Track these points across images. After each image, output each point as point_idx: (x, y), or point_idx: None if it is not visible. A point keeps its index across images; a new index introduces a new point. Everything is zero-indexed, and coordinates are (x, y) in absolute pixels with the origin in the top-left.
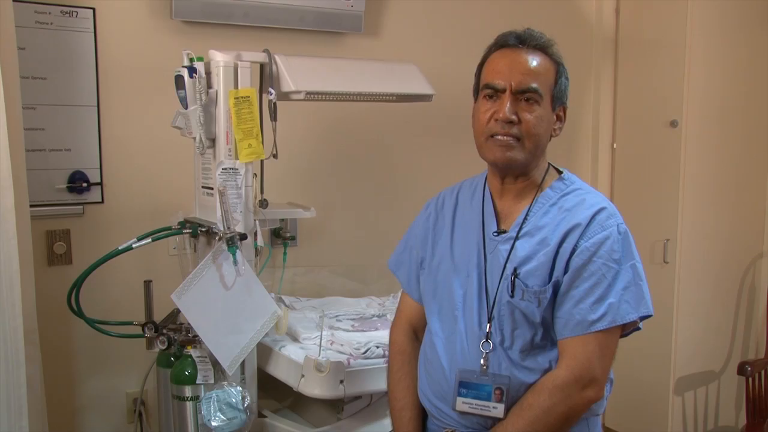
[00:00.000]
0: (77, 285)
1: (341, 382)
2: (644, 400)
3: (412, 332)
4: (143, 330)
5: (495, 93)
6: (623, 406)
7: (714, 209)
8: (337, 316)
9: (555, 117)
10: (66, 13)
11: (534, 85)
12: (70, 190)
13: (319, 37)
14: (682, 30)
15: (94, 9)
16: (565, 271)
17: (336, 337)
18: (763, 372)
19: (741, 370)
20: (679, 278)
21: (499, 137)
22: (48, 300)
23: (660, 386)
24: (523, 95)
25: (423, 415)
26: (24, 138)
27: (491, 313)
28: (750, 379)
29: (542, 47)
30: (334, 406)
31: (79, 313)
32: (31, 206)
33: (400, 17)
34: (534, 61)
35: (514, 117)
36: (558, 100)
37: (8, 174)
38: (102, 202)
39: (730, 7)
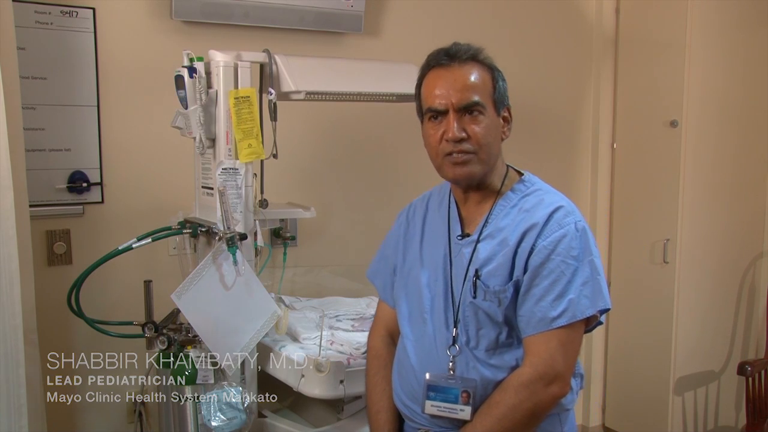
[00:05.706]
0: (77, 285)
1: (341, 382)
2: (644, 400)
3: (389, 337)
4: (143, 330)
5: (439, 114)
6: (623, 406)
7: (714, 209)
8: (337, 316)
9: (501, 120)
10: (66, 13)
11: (475, 99)
12: (70, 190)
13: (319, 37)
14: (682, 30)
15: (94, 9)
16: (525, 271)
17: (336, 337)
18: (763, 372)
19: (741, 370)
20: (679, 278)
21: (454, 155)
22: (48, 300)
23: (660, 386)
24: (467, 110)
25: (399, 418)
26: (24, 138)
27: (457, 315)
28: (750, 379)
29: (473, 57)
30: (334, 406)
31: (79, 313)
32: (31, 206)
33: (400, 17)
34: (469, 74)
35: (463, 134)
36: (500, 104)
37: (8, 174)
38: (102, 202)
39: (730, 7)
